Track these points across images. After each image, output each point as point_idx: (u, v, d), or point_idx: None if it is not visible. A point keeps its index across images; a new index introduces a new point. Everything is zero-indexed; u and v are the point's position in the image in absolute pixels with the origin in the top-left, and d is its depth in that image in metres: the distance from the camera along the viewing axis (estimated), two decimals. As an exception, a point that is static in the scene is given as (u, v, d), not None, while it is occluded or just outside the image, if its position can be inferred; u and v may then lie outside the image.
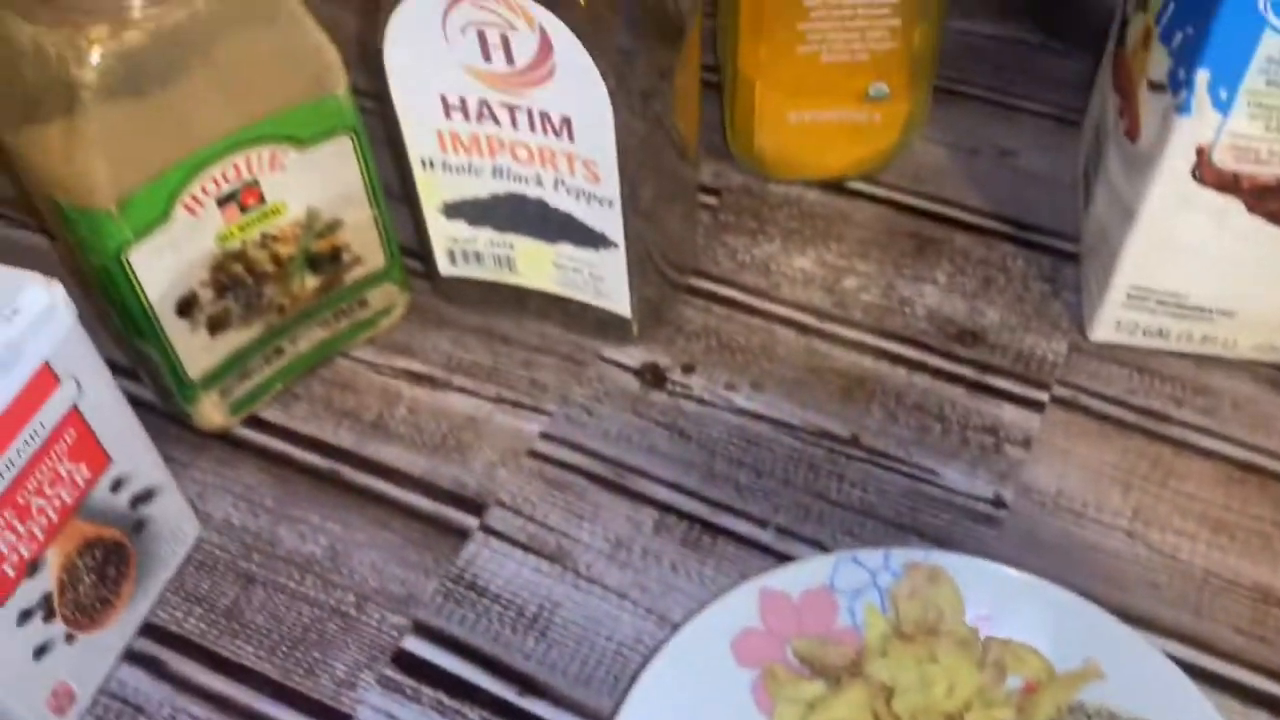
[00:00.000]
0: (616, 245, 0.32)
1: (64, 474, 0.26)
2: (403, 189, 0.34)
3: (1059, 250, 0.38)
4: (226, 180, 0.29)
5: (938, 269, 0.38)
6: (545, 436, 0.33)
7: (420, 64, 0.29)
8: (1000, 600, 0.27)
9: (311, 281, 0.33)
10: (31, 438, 0.24)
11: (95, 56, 0.25)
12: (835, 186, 0.40)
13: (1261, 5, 0.26)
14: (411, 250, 0.37)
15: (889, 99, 0.37)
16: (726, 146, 0.41)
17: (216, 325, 0.31)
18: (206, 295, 0.30)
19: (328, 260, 0.33)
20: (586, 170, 0.31)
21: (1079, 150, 0.40)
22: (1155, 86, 0.30)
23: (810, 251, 0.38)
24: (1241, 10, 0.26)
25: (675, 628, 0.29)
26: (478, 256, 0.35)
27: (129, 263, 0.28)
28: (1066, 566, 0.30)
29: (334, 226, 0.32)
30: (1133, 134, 0.32)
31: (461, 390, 0.35)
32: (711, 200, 0.40)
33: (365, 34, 0.46)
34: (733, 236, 0.39)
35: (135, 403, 0.28)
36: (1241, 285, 0.32)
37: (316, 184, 0.31)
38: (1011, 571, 0.27)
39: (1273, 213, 0.30)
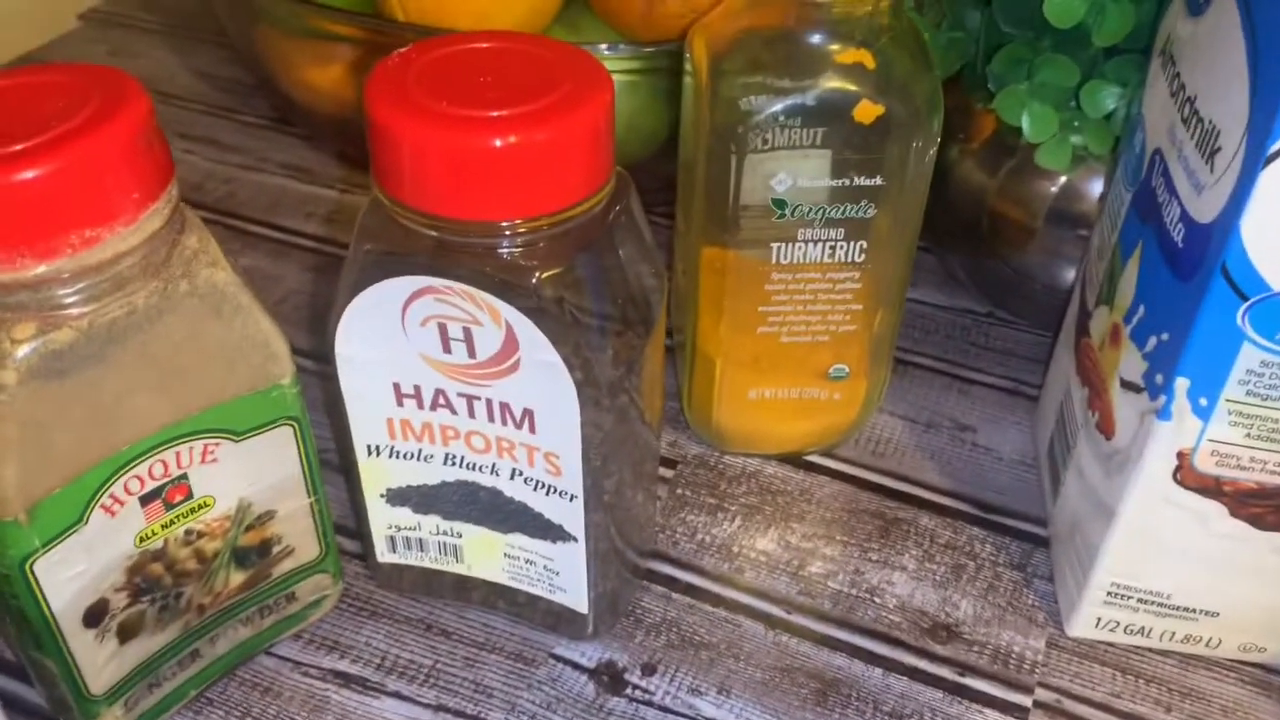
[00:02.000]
0: (576, 539, 0.30)
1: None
2: (341, 463, 0.32)
3: (1026, 534, 0.37)
4: (152, 477, 0.26)
5: (905, 554, 0.36)
6: (491, 752, 0.30)
7: (374, 353, 0.28)
8: None
9: (237, 577, 0.30)
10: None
11: (18, 357, 0.23)
12: (793, 460, 0.39)
13: (1239, 319, 0.26)
14: (346, 527, 0.34)
15: (849, 378, 0.37)
16: (682, 413, 0.40)
17: (127, 632, 0.28)
18: (119, 601, 0.27)
19: (255, 553, 0.30)
20: (547, 463, 0.29)
21: (1037, 429, 0.39)
22: (1129, 386, 0.30)
23: (773, 532, 0.37)
24: (1219, 322, 0.26)
25: None
26: (421, 544, 0.32)
27: (34, 573, 0.25)
28: None
29: (266, 518, 0.29)
30: (1106, 430, 0.31)
31: (397, 695, 0.31)
32: (669, 473, 0.38)
33: (316, 296, 0.45)
34: (693, 514, 0.37)
35: (26, 711, 0.24)
36: (1226, 586, 0.31)
37: (250, 475, 0.28)
38: None
39: (1256, 516, 0.29)
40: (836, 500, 0.38)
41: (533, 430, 0.28)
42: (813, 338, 0.35)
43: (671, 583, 0.35)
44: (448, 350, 0.27)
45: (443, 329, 0.27)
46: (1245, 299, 0.26)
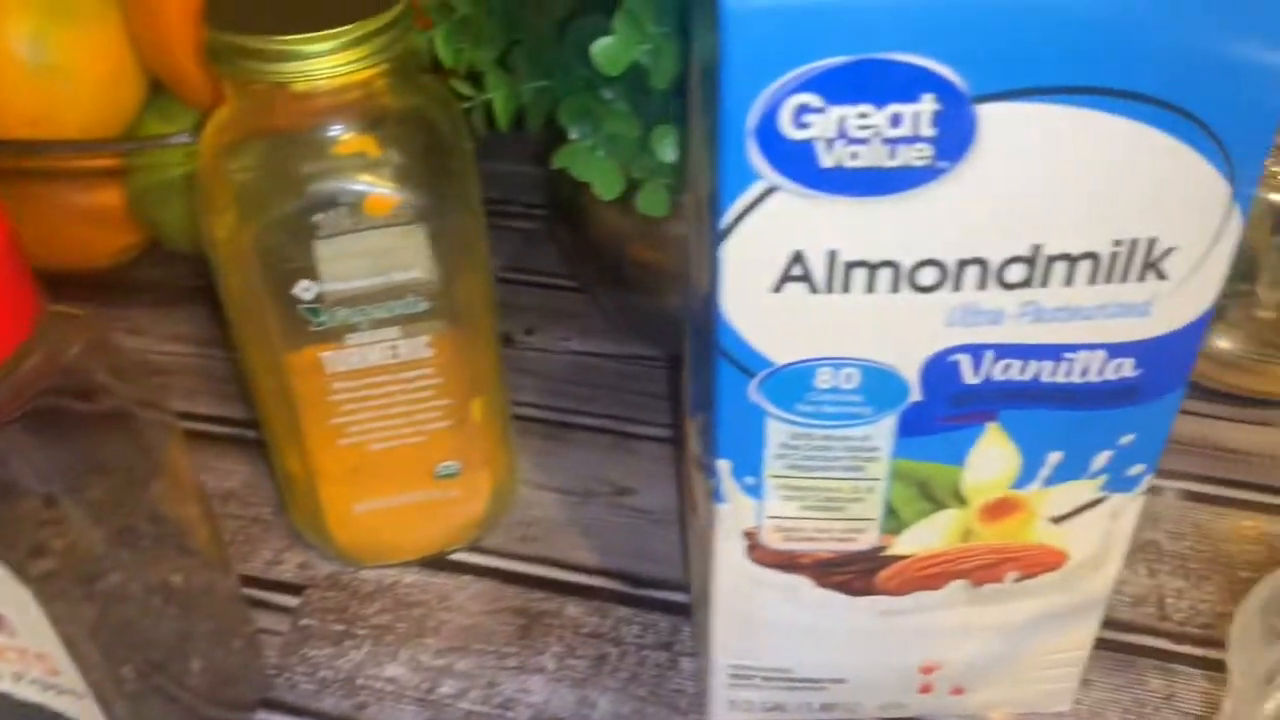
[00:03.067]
0: (107, 736, 0.26)
1: None
2: None
3: (675, 605, 0.34)
4: None
5: (546, 653, 0.33)
6: None
7: None
8: None
9: None
10: None
11: None
12: (436, 562, 0.36)
13: (753, 396, 0.24)
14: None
15: (463, 472, 0.34)
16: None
17: None
18: None
19: None
20: (41, 663, 0.25)
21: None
22: (697, 463, 0.28)
23: (404, 653, 0.33)
24: (737, 401, 0.24)
25: None
26: (-43, 759, 0.28)
27: None
28: None
29: None
30: (692, 505, 0.29)
31: None
32: (293, 601, 0.35)
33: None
34: (315, 646, 0.34)
35: None
36: (842, 654, 0.29)
37: None
38: None
39: (842, 584, 0.27)
40: (477, 602, 0.35)
41: (11, 634, 0.24)
42: (403, 441, 0.32)
43: (282, 736, 0.31)
44: (-126, 566, 0.23)
45: None
46: (751, 375, 0.24)
